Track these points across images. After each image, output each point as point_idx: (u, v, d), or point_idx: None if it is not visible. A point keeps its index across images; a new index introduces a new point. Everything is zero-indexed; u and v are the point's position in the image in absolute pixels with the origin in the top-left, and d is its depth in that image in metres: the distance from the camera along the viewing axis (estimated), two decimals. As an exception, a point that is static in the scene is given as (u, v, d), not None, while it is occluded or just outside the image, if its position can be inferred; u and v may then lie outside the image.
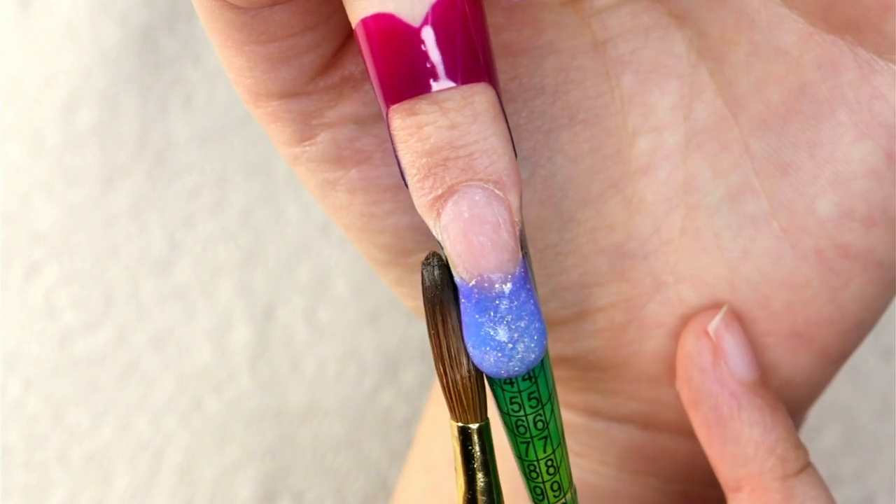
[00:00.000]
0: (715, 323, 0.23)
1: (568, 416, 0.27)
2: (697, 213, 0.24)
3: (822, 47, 0.22)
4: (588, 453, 0.27)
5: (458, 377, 0.21)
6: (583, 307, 0.25)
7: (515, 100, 0.24)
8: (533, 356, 0.20)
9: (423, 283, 0.20)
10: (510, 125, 0.23)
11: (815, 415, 0.41)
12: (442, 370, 0.21)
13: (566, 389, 0.26)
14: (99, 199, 0.39)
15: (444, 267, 0.20)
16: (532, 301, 0.20)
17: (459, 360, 0.21)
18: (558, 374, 0.26)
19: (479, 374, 0.21)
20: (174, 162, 0.40)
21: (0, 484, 0.39)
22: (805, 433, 0.41)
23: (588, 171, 0.24)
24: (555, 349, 0.26)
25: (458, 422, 0.21)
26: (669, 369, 0.25)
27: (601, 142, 0.24)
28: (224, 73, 0.40)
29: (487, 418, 0.21)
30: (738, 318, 0.24)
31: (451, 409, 0.21)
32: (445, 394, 0.21)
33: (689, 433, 0.26)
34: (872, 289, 0.24)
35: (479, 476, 0.22)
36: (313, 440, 0.40)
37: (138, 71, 0.39)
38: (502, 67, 0.23)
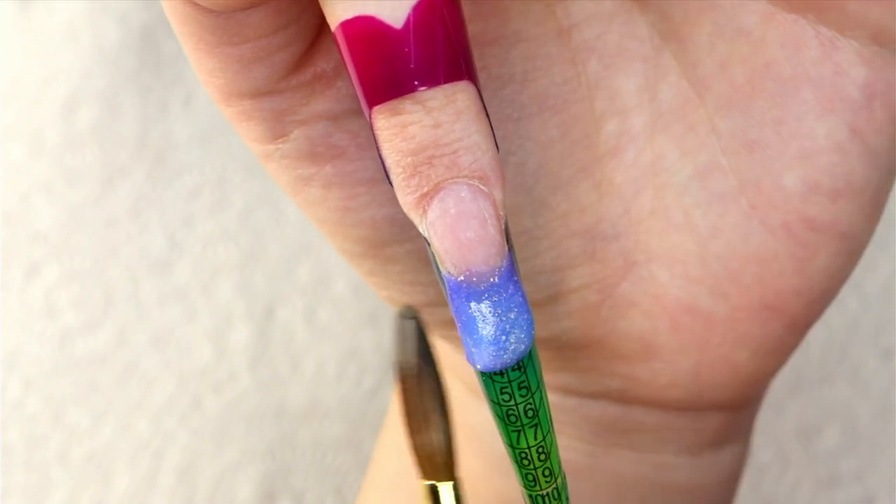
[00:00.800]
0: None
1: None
2: (666, 192, 0.24)
3: (784, 26, 0.23)
4: (562, 430, 0.27)
5: (430, 438, 0.21)
6: (556, 289, 0.25)
7: (485, 89, 0.24)
8: (523, 347, 0.21)
9: (395, 344, 0.21)
10: None
11: (815, 415, 0.41)
12: (411, 430, 0.21)
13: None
14: (99, 199, 0.39)
15: (417, 326, 0.20)
16: (519, 292, 0.20)
17: (428, 420, 0.21)
18: None
19: (450, 436, 0.21)
20: (174, 162, 0.40)
21: (0, 484, 0.39)
22: (805, 433, 0.41)
23: (558, 157, 0.24)
24: None
25: (427, 480, 0.21)
26: (643, 346, 0.25)
27: (570, 127, 0.24)
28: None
29: (459, 477, 0.22)
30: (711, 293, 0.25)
31: (422, 467, 0.21)
32: (414, 454, 0.21)
33: (661, 405, 0.26)
34: (838, 259, 0.24)
35: None
36: (313, 440, 0.40)
37: (138, 71, 0.40)
38: None
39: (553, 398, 0.27)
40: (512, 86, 0.24)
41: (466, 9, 0.23)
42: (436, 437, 0.21)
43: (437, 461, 0.21)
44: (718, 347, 0.25)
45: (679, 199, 0.24)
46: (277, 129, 0.23)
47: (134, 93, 0.39)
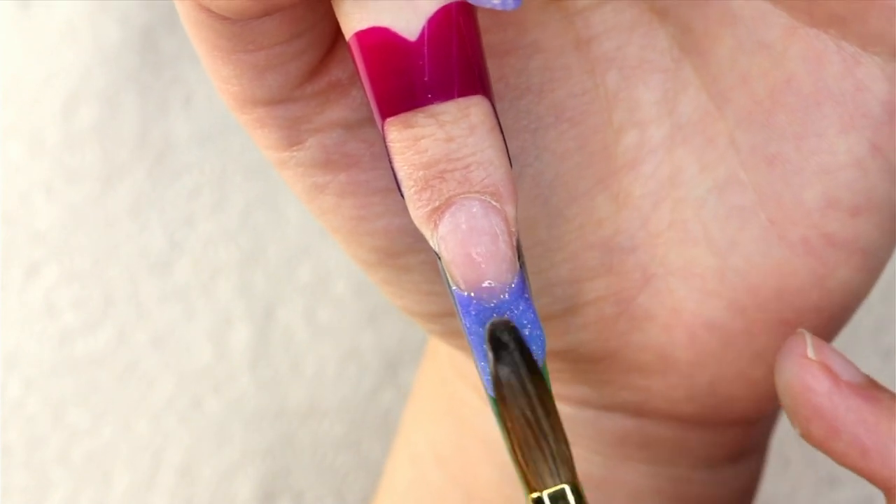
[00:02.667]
0: (810, 346, 0.23)
1: (557, 406, 0.27)
2: (685, 205, 0.24)
3: (806, 41, 0.22)
4: (577, 441, 0.27)
5: (547, 450, 0.21)
6: (573, 302, 0.25)
7: (502, 100, 0.24)
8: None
9: (494, 358, 0.20)
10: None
11: (815, 415, 0.41)
12: (521, 444, 0.21)
13: (556, 380, 0.26)
14: (99, 198, 0.39)
15: (516, 335, 0.20)
16: (531, 309, 0.20)
17: (542, 428, 0.21)
18: (548, 366, 0.26)
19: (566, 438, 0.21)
20: (174, 162, 0.40)
21: (0, 484, 0.39)
22: (805, 433, 0.41)
23: (575, 168, 0.24)
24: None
25: (535, 493, 0.21)
26: (660, 359, 0.25)
27: (587, 139, 0.24)
28: (224, 73, 0.40)
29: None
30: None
31: (530, 481, 0.21)
32: (521, 467, 0.21)
33: (677, 418, 0.26)
34: (857, 275, 0.24)
35: None
36: (313, 440, 0.40)
37: (138, 71, 0.39)
38: (488, 68, 0.24)
39: (569, 410, 0.27)
40: (529, 96, 0.24)
41: (483, 18, 0.22)
42: (544, 438, 0.21)
43: (554, 466, 0.21)
44: (735, 362, 0.25)
45: (697, 213, 0.24)
46: (292, 136, 0.23)
47: (134, 92, 0.39)
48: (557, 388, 0.26)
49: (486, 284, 0.20)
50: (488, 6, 0.19)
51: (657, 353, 0.25)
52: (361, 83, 0.20)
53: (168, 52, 0.40)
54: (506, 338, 0.20)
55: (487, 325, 0.20)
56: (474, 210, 0.20)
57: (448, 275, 0.20)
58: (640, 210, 0.24)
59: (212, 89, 0.40)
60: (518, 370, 0.20)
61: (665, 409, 0.26)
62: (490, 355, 0.20)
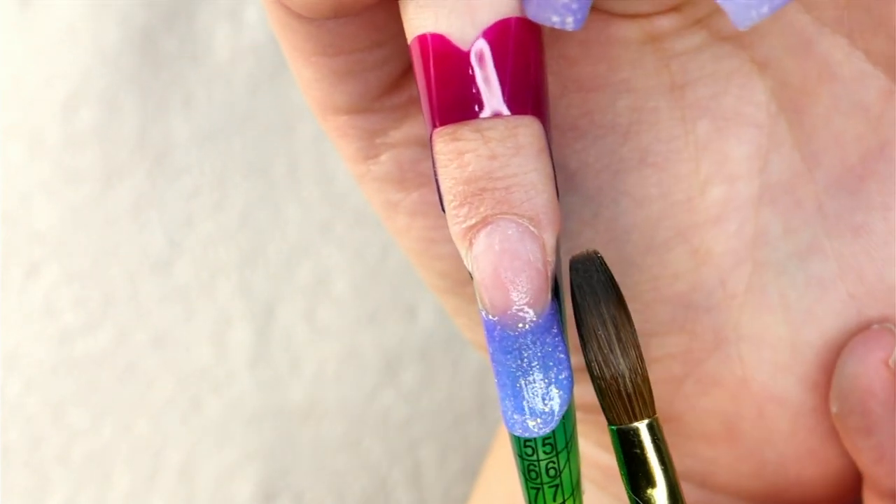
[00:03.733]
0: (895, 356, 0.23)
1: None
2: (765, 269, 0.23)
3: None
4: None
5: (620, 368, 0.20)
6: None
7: (585, 137, 0.23)
8: (558, 410, 0.19)
9: (576, 278, 0.20)
10: (576, 163, 0.23)
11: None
12: (598, 366, 0.20)
13: None
14: (99, 199, 0.39)
15: (599, 259, 0.20)
16: (559, 348, 0.19)
17: (617, 349, 0.20)
18: None
19: (644, 364, 0.20)
20: (174, 162, 0.40)
21: (0, 484, 0.39)
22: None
23: (654, 217, 0.23)
24: None
25: (616, 423, 0.20)
26: (726, 429, 0.24)
27: (671, 187, 0.23)
28: (224, 73, 0.40)
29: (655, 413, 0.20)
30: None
31: (610, 408, 0.20)
32: (601, 393, 0.20)
33: (747, 496, 0.25)
34: None
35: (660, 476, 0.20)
36: (313, 440, 0.40)
37: (138, 71, 0.39)
38: (573, 102, 0.23)
39: None
40: (614, 136, 0.23)
41: (574, 50, 0.22)
42: (633, 364, 0.20)
43: (633, 392, 0.20)
44: (806, 441, 0.24)
45: (777, 279, 0.23)
46: (369, 149, 0.23)
47: (134, 93, 0.39)
48: None
49: (512, 311, 0.19)
50: (548, 24, 0.19)
51: (724, 423, 0.24)
52: (419, 91, 0.20)
53: (168, 52, 0.40)
54: (589, 263, 0.20)
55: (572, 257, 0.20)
56: (510, 232, 0.19)
57: (477, 296, 0.19)
58: (720, 269, 0.23)
59: (212, 89, 0.40)
60: (598, 300, 0.20)
61: (731, 483, 0.25)
62: (571, 279, 0.20)
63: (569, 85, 0.22)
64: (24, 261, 0.39)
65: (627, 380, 0.20)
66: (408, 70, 0.22)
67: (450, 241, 0.23)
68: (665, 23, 0.22)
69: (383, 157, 0.23)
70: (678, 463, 0.25)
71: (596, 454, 0.27)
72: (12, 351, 0.39)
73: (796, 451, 0.24)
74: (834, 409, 0.23)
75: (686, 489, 0.25)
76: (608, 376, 0.20)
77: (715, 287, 0.23)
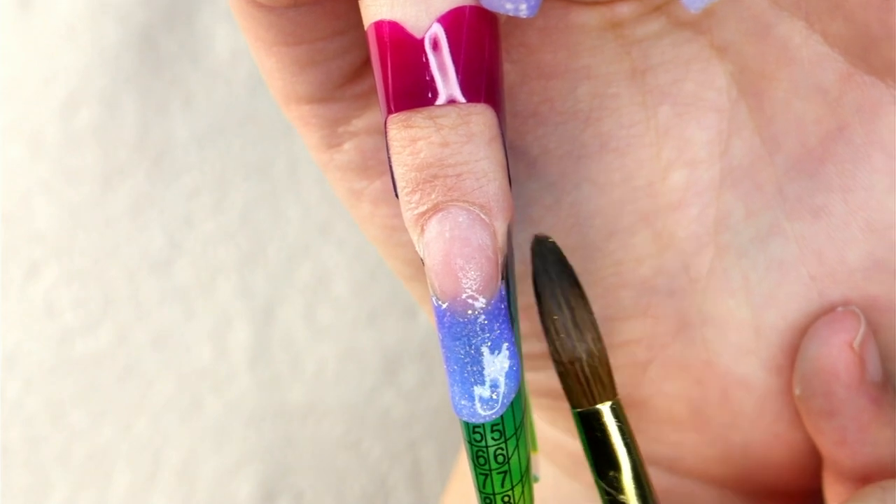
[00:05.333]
0: (859, 338, 0.23)
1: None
2: (727, 253, 0.23)
3: (861, 89, 0.22)
4: None
5: (581, 351, 0.20)
6: (604, 342, 0.24)
7: (546, 123, 0.23)
8: (505, 400, 0.19)
9: (534, 264, 0.20)
10: (537, 149, 0.23)
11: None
12: (556, 345, 0.20)
13: None
14: (99, 199, 0.39)
15: (555, 247, 0.20)
16: (508, 337, 0.19)
17: (580, 331, 0.20)
18: None
19: (604, 347, 0.20)
20: (174, 162, 0.40)
21: (0, 484, 0.39)
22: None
23: (617, 202, 0.23)
24: None
25: (577, 407, 0.20)
26: (692, 413, 0.24)
27: (632, 172, 0.23)
28: (224, 73, 0.40)
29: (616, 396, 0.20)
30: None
31: (571, 390, 0.20)
32: (563, 377, 0.20)
33: (714, 480, 0.25)
34: None
35: (625, 460, 0.21)
36: (313, 440, 0.40)
37: (138, 71, 0.39)
38: (534, 89, 0.23)
39: None
40: (575, 122, 0.23)
41: (534, 37, 0.22)
42: (589, 348, 0.20)
43: (591, 375, 0.20)
44: (772, 424, 0.24)
45: (738, 262, 0.23)
46: (332, 137, 0.23)
47: (134, 93, 0.39)
48: None
49: (461, 298, 0.19)
50: (502, 11, 0.19)
51: (689, 407, 0.24)
52: (375, 78, 0.20)
53: (168, 52, 0.40)
54: (544, 247, 0.20)
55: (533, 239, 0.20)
56: (461, 219, 0.19)
57: (428, 283, 0.19)
58: (683, 253, 0.24)
59: (212, 89, 0.40)
60: (555, 286, 0.20)
61: (698, 467, 0.25)
62: (532, 263, 0.19)
63: (529, 72, 0.22)
64: (24, 261, 0.39)
65: (584, 363, 0.20)
66: (369, 59, 0.22)
67: None
68: (625, 9, 0.22)
69: (346, 146, 0.23)
70: (645, 448, 0.25)
71: (565, 441, 0.27)
72: (12, 351, 0.39)
73: (762, 435, 0.24)
74: (797, 391, 0.23)
75: (654, 474, 0.25)
76: (566, 360, 0.20)
77: (678, 271, 0.24)
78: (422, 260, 0.19)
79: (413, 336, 0.40)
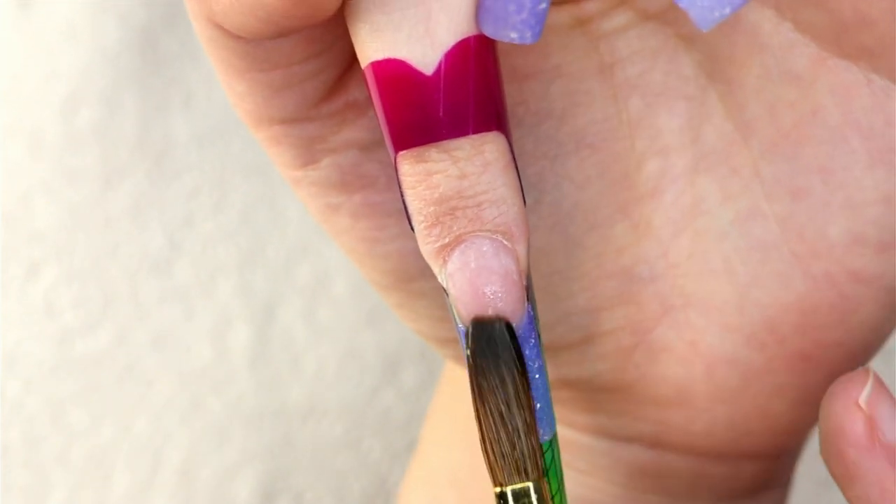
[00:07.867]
0: (866, 394, 0.22)
1: (573, 436, 0.27)
2: (706, 236, 0.24)
3: (835, 73, 0.22)
4: (594, 472, 0.27)
5: (510, 435, 0.20)
6: (590, 331, 0.25)
7: (521, 125, 0.23)
8: (546, 437, 0.20)
9: (474, 347, 0.20)
10: (516, 150, 0.23)
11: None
12: (487, 429, 0.20)
13: (572, 409, 0.26)
14: (99, 199, 0.39)
15: (502, 329, 0.20)
16: (536, 353, 0.20)
17: (510, 416, 0.20)
18: (563, 395, 0.26)
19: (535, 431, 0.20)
20: (174, 162, 0.40)
21: (0, 484, 0.39)
22: (805, 433, 0.41)
23: (595, 196, 0.24)
24: (561, 372, 0.25)
25: (499, 486, 0.20)
26: (677, 392, 0.25)
27: (608, 166, 0.24)
28: (224, 73, 0.40)
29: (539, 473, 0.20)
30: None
31: (495, 470, 0.20)
32: (488, 456, 0.20)
33: (695, 452, 0.26)
34: (882, 313, 0.23)
35: None
36: (313, 440, 0.40)
37: (138, 71, 0.39)
38: (509, 92, 0.23)
39: (585, 440, 0.26)
40: (550, 122, 0.23)
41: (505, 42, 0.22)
42: (515, 434, 0.20)
43: (518, 460, 0.20)
44: (755, 398, 0.24)
45: (719, 245, 0.24)
46: (307, 156, 0.23)
47: (134, 92, 0.39)
48: (573, 415, 0.26)
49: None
50: (507, 40, 0.19)
51: (675, 387, 0.25)
52: (375, 112, 0.20)
53: (168, 52, 0.40)
54: (491, 328, 0.20)
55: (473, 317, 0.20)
56: (485, 249, 0.19)
57: (455, 311, 0.20)
58: (661, 240, 0.24)
59: (212, 89, 0.40)
60: (498, 361, 0.20)
61: (683, 442, 0.25)
62: (469, 340, 0.20)
63: (503, 77, 0.23)
64: (24, 261, 0.39)
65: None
66: (344, 75, 0.22)
67: (395, 239, 0.23)
68: (591, 6, 0.22)
69: (323, 163, 0.23)
70: (629, 426, 0.26)
71: (563, 433, 0.27)
72: (12, 351, 0.39)
73: (745, 409, 0.25)
74: (823, 455, 0.23)
75: (636, 450, 0.26)
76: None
77: (657, 258, 0.24)
78: (444, 290, 0.20)
79: (413, 336, 0.40)
